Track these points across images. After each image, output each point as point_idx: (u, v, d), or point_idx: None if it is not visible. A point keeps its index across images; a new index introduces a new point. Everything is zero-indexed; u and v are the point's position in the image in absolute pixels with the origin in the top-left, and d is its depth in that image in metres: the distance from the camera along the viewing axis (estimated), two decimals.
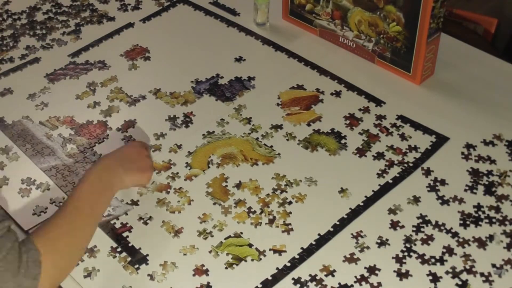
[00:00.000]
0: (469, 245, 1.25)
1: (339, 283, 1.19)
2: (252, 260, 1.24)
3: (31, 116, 1.53)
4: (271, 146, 1.43)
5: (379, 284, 1.19)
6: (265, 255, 1.24)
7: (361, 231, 1.27)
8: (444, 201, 1.32)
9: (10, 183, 1.39)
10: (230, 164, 1.40)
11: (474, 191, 1.34)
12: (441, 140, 1.45)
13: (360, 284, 1.19)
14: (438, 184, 1.36)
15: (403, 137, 1.45)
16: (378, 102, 1.54)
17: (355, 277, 1.20)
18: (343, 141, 1.44)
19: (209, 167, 1.40)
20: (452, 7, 1.94)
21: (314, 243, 1.26)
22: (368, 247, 1.25)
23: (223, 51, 1.70)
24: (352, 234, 1.27)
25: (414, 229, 1.28)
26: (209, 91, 1.59)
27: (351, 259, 1.23)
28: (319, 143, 1.44)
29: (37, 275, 1.06)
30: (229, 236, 1.27)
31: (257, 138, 1.45)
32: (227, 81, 1.61)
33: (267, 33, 1.75)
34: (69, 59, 1.69)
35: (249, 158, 1.41)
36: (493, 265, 1.21)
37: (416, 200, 1.33)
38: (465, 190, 1.34)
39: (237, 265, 1.23)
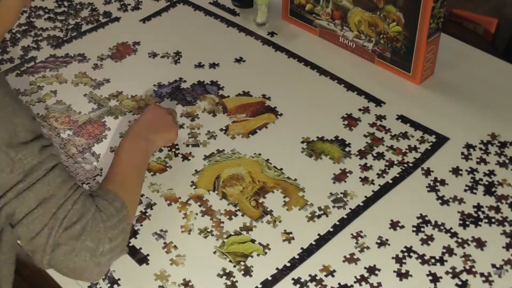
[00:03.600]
0: (468, 245, 1.25)
1: (339, 283, 1.19)
2: (258, 255, 1.24)
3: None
4: (281, 169, 1.39)
5: (379, 284, 1.19)
6: (270, 249, 1.24)
7: (361, 231, 1.27)
8: (444, 201, 1.32)
9: None
10: (237, 185, 1.37)
11: (474, 191, 1.34)
12: (441, 140, 1.45)
13: (360, 284, 1.19)
14: (438, 184, 1.36)
15: (403, 137, 1.45)
16: (378, 102, 1.54)
17: (355, 277, 1.20)
18: (347, 149, 1.43)
19: (215, 187, 1.37)
20: (452, 7, 1.94)
21: (314, 243, 1.26)
22: (368, 247, 1.25)
23: (223, 51, 1.70)
24: (352, 234, 1.27)
25: (414, 229, 1.27)
26: (170, 94, 1.58)
27: (351, 259, 1.23)
28: (323, 151, 1.43)
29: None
30: (230, 235, 1.27)
31: (267, 160, 1.41)
32: (189, 85, 1.60)
33: (267, 33, 1.75)
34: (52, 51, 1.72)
35: (256, 181, 1.37)
36: (493, 265, 1.21)
37: (416, 200, 1.32)
38: (465, 190, 1.34)
39: (244, 262, 1.23)
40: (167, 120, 1.42)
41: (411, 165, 1.39)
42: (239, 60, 1.67)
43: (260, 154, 1.42)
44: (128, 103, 1.56)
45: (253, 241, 1.26)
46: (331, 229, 1.28)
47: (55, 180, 1.07)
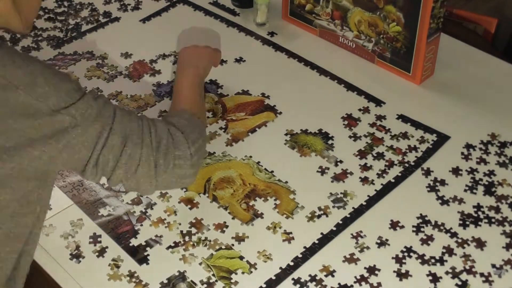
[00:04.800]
0: (468, 245, 1.25)
1: (339, 284, 1.19)
2: (243, 273, 1.22)
3: None
4: (272, 172, 1.39)
5: (379, 284, 1.19)
6: (256, 268, 1.22)
7: (361, 231, 1.27)
8: (444, 201, 1.32)
9: None
10: (228, 188, 1.36)
11: (474, 191, 1.34)
12: (442, 139, 1.45)
13: (360, 285, 1.19)
14: (438, 184, 1.35)
15: (403, 137, 1.45)
16: (378, 102, 1.54)
17: (355, 277, 1.20)
18: (330, 141, 1.43)
19: (205, 190, 1.36)
20: (452, 7, 1.94)
21: (317, 242, 1.26)
22: (368, 247, 1.25)
23: (222, 51, 1.70)
24: (352, 234, 1.27)
25: (414, 229, 1.27)
26: (170, 93, 1.58)
27: (351, 259, 1.23)
28: (306, 143, 1.43)
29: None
30: (220, 248, 1.26)
31: (258, 162, 1.41)
32: None
33: (267, 33, 1.75)
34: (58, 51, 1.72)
35: (247, 183, 1.37)
36: (493, 265, 1.21)
37: (416, 200, 1.32)
38: (465, 190, 1.34)
39: (227, 277, 1.21)
40: (205, 49, 1.49)
41: (412, 164, 1.39)
42: (239, 60, 1.67)
43: (251, 157, 1.42)
44: (127, 102, 1.56)
45: (241, 258, 1.24)
46: (334, 228, 1.27)
47: (124, 118, 1.14)
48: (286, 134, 1.46)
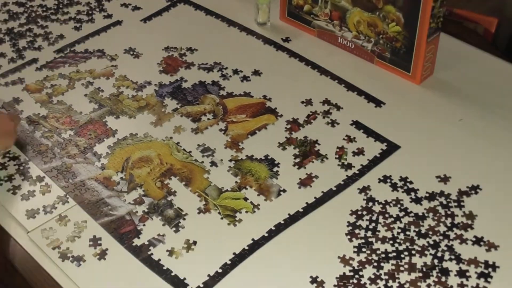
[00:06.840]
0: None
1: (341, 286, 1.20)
2: (247, 212, 1.30)
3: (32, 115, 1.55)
4: (190, 152, 1.43)
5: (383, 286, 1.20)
6: (259, 209, 1.31)
7: (360, 232, 1.28)
8: None
9: (11, 184, 1.40)
10: (145, 167, 1.41)
11: None
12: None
13: (361, 286, 1.20)
14: None
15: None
16: (378, 103, 1.55)
17: (357, 279, 1.21)
18: (275, 169, 1.41)
19: (123, 168, 1.40)
20: (452, 6, 1.94)
21: (301, 210, 1.31)
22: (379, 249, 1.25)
23: (224, 51, 1.71)
24: (352, 234, 1.28)
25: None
26: (171, 94, 1.59)
27: (352, 261, 1.24)
28: (250, 170, 1.41)
29: None
30: (226, 190, 1.34)
31: (177, 143, 1.45)
32: (190, 85, 1.61)
33: (268, 32, 1.75)
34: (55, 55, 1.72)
35: (164, 163, 1.41)
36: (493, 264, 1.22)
37: (416, 201, 1.33)
38: None
39: (232, 215, 1.30)
40: (8, 126, 1.42)
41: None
42: (240, 60, 1.67)
43: (171, 138, 1.46)
44: (129, 102, 1.57)
45: (245, 199, 1.33)
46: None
47: None
48: (230, 160, 1.43)
